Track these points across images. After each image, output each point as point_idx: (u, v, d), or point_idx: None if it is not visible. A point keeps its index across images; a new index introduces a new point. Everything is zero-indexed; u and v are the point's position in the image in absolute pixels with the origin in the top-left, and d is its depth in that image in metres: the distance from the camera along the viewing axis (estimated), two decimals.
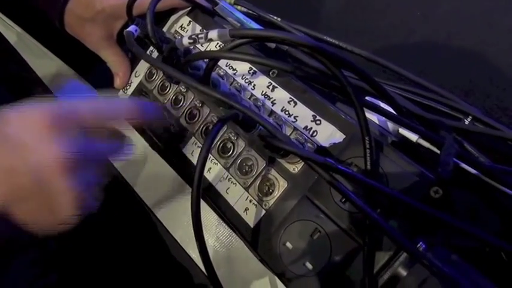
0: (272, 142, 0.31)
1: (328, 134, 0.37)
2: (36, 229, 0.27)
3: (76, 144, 0.27)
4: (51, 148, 0.26)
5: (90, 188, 0.28)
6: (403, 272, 0.32)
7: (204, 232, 0.48)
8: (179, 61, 0.40)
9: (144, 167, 0.53)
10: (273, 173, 0.39)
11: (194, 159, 0.44)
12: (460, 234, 0.32)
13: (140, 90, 0.50)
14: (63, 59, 0.65)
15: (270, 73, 0.42)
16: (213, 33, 0.31)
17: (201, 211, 0.49)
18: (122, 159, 0.35)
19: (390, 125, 0.37)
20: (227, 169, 0.41)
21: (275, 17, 0.51)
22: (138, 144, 0.54)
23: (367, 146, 0.32)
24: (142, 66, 0.50)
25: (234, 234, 0.45)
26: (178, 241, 0.48)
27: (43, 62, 0.65)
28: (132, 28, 0.41)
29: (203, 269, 0.46)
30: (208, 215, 0.49)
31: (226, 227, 0.45)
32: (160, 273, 0.52)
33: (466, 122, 0.39)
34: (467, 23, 0.48)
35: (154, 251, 0.52)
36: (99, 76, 0.64)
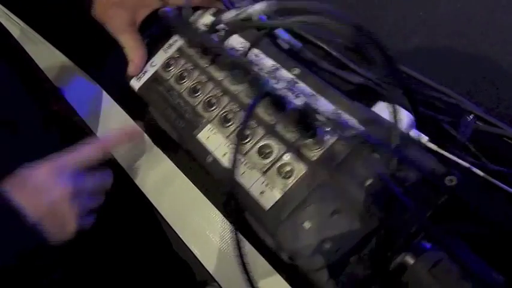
0: (313, 116, 0.32)
1: None
2: (53, 239, 0.38)
3: (71, 180, 0.41)
4: (56, 186, 0.40)
5: (86, 208, 0.42)
6: (411, 261, 0.33)
7: (208, 230, 0.48)
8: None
9: (148, 163, 0.53)
10: (292, 159, 0.40)
11: (209, 145, 0.44)
12: (470, 224, 0.35)
13: (155, 79, 0.51)
14: (66, 55, 0.65)
15: (291, 69, 0.44)
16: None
17: (204, 208, 0.49)
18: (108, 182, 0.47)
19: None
20: (244, 155, 0.42)
21: None
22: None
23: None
24: (160, 57, 0.51)
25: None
26: (182, 238, 0.48)
27: (47, 57, 0.65)
28: (168, 9, 0.42)
29: (206, 266, 0.45)
30: (210, 211, 0.48)
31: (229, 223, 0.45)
32: (164, 270, 0.50)
33: (468, 120, 0.41)
34: (468, 23, 0.50)
35: (157, 247, 0.51)
36: (102, 71, 0.65)
